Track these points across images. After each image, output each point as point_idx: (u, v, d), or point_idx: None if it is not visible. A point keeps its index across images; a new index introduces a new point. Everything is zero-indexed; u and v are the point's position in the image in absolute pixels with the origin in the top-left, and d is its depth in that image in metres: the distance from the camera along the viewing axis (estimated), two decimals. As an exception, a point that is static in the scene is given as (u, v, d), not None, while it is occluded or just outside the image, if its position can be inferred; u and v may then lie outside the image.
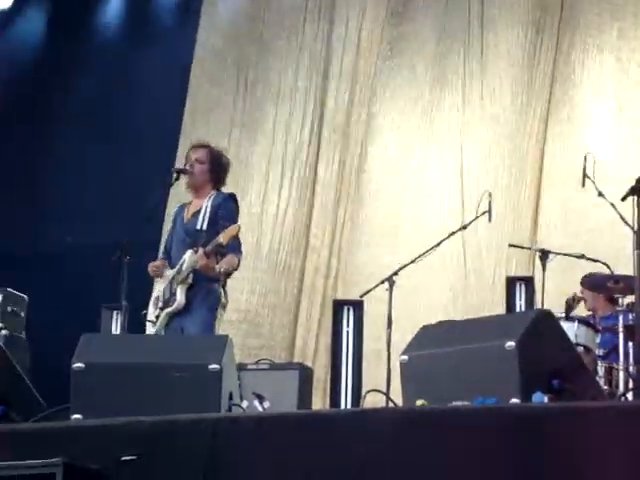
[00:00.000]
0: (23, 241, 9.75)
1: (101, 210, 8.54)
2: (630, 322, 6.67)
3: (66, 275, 9.52)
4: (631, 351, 6.60)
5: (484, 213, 7.65)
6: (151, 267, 6.79)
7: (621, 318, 6.73)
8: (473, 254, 9.09)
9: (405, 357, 5.23)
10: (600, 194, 7.13)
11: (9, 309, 8.14)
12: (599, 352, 6.92)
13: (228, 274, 6.72)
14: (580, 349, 6.61)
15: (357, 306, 8.07)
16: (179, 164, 8.93)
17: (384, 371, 7.17)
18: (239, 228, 6.59)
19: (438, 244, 7.64)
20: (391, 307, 7.34)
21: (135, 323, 6.96)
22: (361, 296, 7.79)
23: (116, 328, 8.05)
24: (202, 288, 6.64)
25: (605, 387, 6.72)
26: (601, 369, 6.83)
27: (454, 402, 4.88)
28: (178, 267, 6.70)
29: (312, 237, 9.64)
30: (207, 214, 6.70)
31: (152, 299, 6.90)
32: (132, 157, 8.90)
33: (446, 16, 9.60)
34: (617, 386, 6.71)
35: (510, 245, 8.48)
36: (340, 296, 8.96)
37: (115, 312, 8.17)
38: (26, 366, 7.51)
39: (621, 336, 6.67)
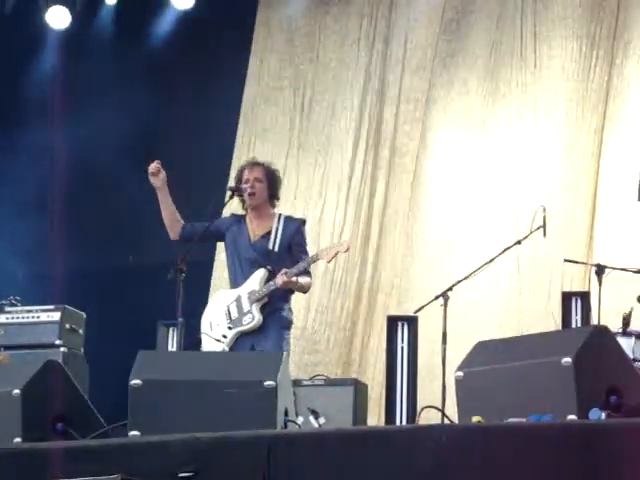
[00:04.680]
0: (81, 259, 9.84)
1: (157, 230, 8.61)
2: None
3: (123, 292, 9.60)
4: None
5: (539, 228, 7.60)
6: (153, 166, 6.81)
7: (679, 334, 6.68)
8: (527, 269, 9.04)
9: (460, 373, 5.22)
10: (656, 208, 7.08)
11: (67, 326, 8.23)
12: (656, 368, 6.85)
13: (303, 290, 6.88)
14: (637, 365, 6.55)
15: (411, 322, 8.05)
16: (232, 183, 9.00)
17: (439, 387, 7.14)
18: (348, 249, 6.94)
19: (492, 260, 7.61)
20: (446, 323, 7.32)
21: (191, 339, 7.01)
22: (415, 312, 7.78)
23: (172, 345, 8.11)
24: (276, 307, 6.80)
25: (663, 403, 6.64)
26: (659, 385, 6.76)
27: (510, 419, 4.86)
28: (249, 285, 6.77)
29: (369, 253, 9.64)
30: (278, 237, 6.86)
31: (209, 318, 6.92)
32: (184, 178, 8.97)
33: (498, 30, 9.58)
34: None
35: (565, 260, 8.42)
36: (395, 312, 8.94)
37: (171, 329, 8.24)
38: (84, 383, 7.58)
39: (679, 351, 6.62)
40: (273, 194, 7.00)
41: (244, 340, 6.70)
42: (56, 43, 10.26)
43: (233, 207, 7.32)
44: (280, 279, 6.68)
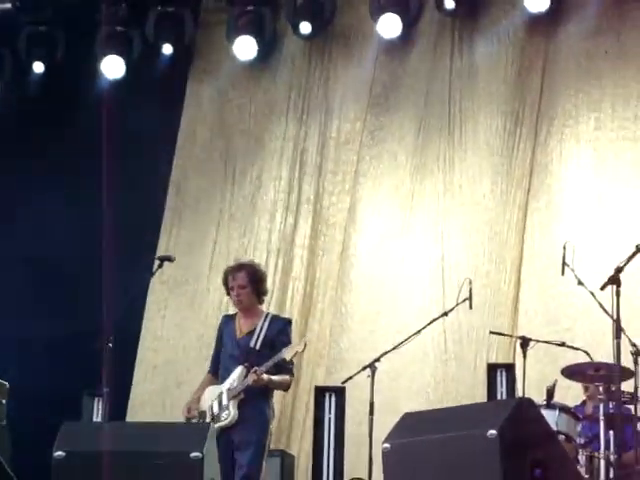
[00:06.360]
0: (4, 326, 9.71)
1: (83, 298, 8.56)
2: (611, 411, 6.70)
3: (47, 361, 9.47)
4: (612, 439, 6.62)
5: (465, 300, 7.70)
6: (184, 412, 6.91)
7: (601, 406, 6.76)
8: (454, 340, 9.11)
9: (387, 445, 5.24)
10: (580, 283, 7.19)
11: (-11, 396, 8.11)
12: (580, 440, 6.93)
13: (281, 388, 6.99)
14: (561, 437, 6.62)
15: (339, 392, 8.08)
16: (160, 253, 8.98)
17: (366, 458, 7.15)
18: (305, 346, 6.88)
19: (419, 331, 7.68)
20: (373, 393, 7.35)
21: (117, 410, 6.94)
22: (343, 382, 7.80)
23: (97, 415, 8.01)
24: (254, 404, 6.83)
25: (586, 476, 6.72)
26: (582, 458, 6.84)
27: (436, 491, 4.88)
28: (229, 382, 6.86)
29: (297, 323, 9.65)
30: (262, 335, 6.94)
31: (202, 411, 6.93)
32: (114, 244, 8.95)
33: (427, 106, 9.74)
34: (598, 475, 6.72)
35: (491, 332, 8.52)
36: (324, 382, 8.95)
37: (96, 399, 8.15)
38: (7, 455, 7.45)
39: (602, 424, 6.69)
40: (259, 292, 7.06)
41: (224, 435, 6.71)
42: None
43: (163, 278, 7.30)
44: (251, 377, 6.76)
